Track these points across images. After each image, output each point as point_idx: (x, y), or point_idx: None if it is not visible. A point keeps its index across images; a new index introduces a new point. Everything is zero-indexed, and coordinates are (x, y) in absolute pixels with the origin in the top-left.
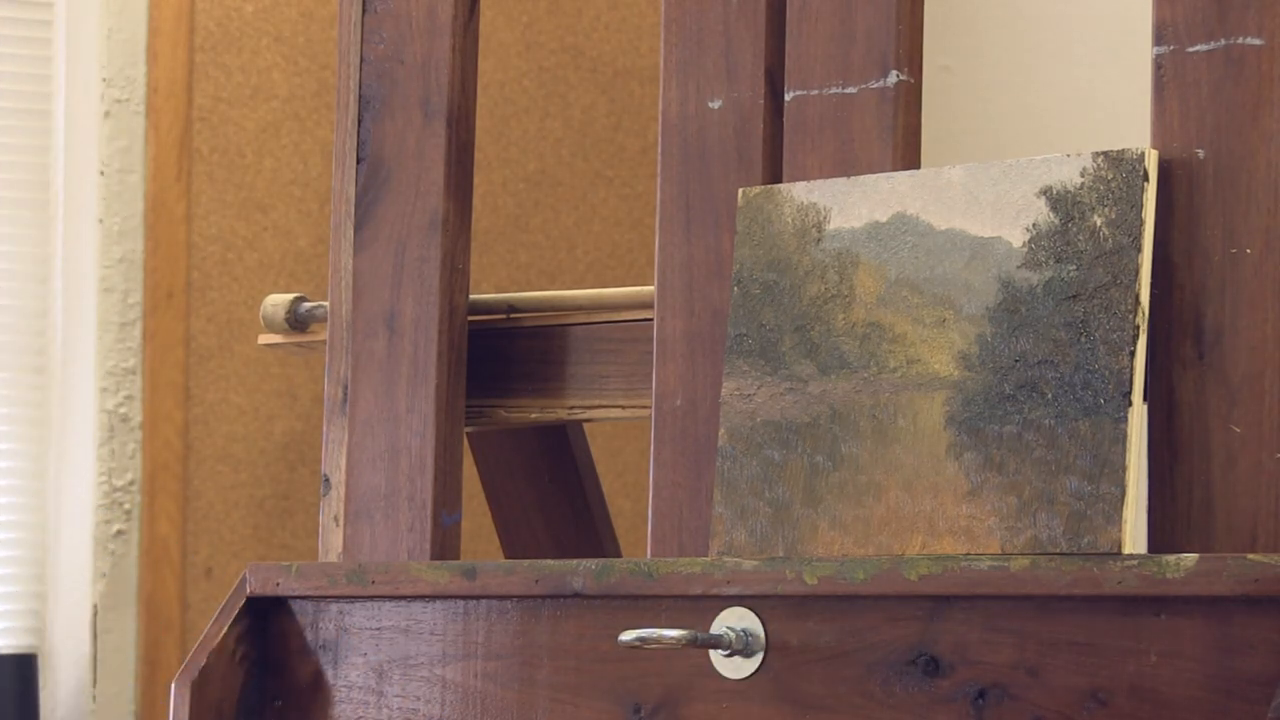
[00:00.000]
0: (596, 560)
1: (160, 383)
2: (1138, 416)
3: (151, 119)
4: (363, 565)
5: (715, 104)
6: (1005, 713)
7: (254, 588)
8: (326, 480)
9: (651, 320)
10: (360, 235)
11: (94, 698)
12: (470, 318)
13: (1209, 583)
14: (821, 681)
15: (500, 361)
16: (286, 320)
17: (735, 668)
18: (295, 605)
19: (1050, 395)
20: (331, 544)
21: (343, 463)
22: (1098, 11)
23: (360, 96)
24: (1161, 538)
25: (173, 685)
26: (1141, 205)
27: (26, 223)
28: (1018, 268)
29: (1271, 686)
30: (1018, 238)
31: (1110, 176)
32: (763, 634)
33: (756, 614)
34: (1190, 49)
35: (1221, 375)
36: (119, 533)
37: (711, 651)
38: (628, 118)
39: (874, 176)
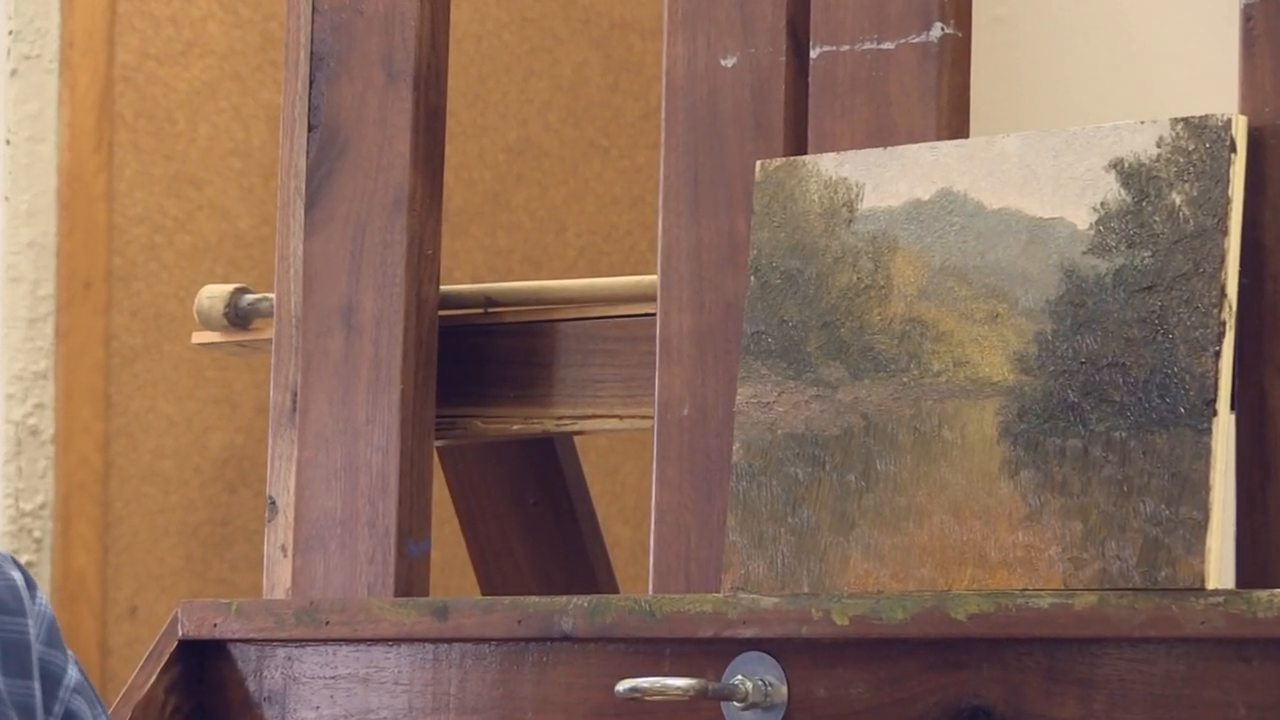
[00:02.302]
0: (589, 597)
1: (76, 389)
2: (1223, 428)
3: (66, 78)
4: (315, 603)
5: (728, 61)
6: None
7: (187, 629)
8: (272, 503)
9: (654, 315)
10: (312, 215)
11: None
12: (441, 312)
13: None
14: None
15: (477, 363)
16: (225, 315)
17: None
18: (236, 650)
19: (1121, 403)
20: (278, 578)
21: (291, 483)
22: None
23: (312, 53)
24: (1251, 570)
25: None
26: (1228, 180)
27: None
28: (1083, 254)
29: None
30: (1083, 219)
31: (1191, 147)
32: (784, 684)
33: (777, 660)
34: None
35: None
36: (28, 565)
37: (724, 704)
38: (626, 77)
39: (915, 147)
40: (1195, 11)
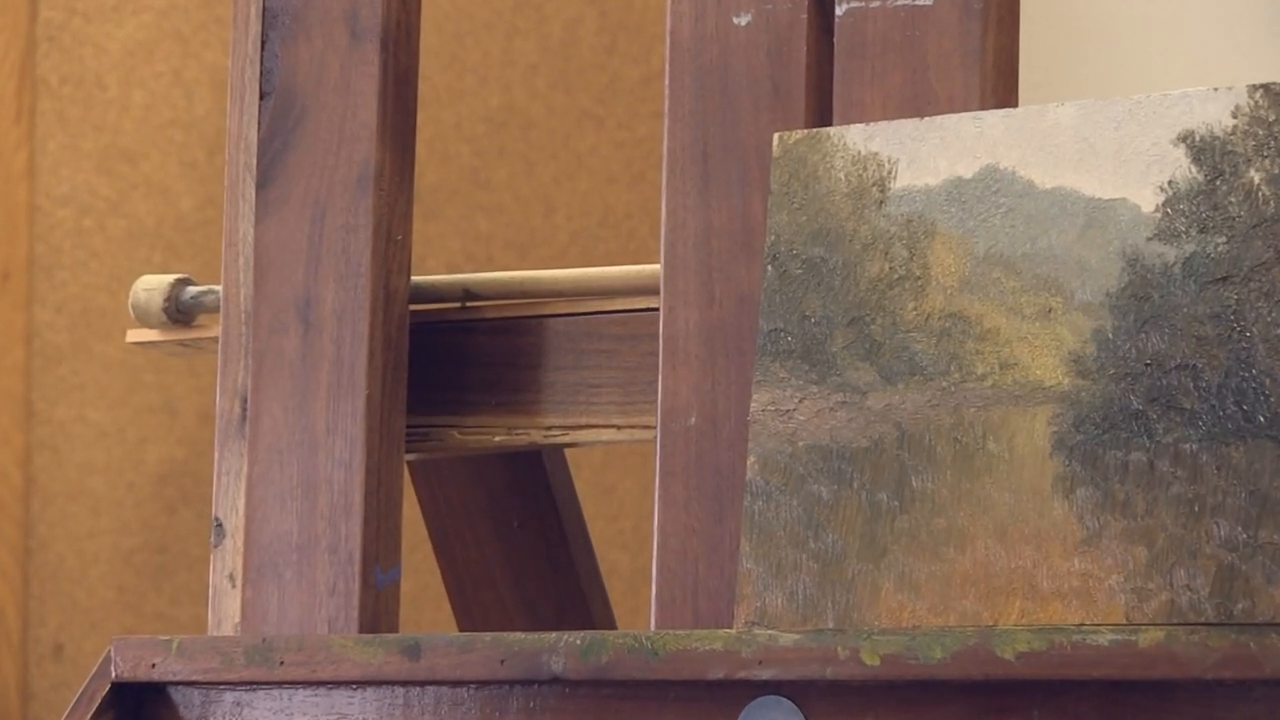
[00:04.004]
0: (582, 633)
1: None
2: None
3: None
4: (269, 640)
5: (742, 19)
6: None
7: (121, 670)
8: (219, 525)
9: (656, 310)
10: (265, 195)
11: None
12: (413, 306)
13: None
14: None
15: (453, 365)
16: (164, 310)
17: None
18: (177, 694)
19: (1192, 411)
20: (226, 611)
21: (240, 502)
22: None
23: (264, 8)
24: None
25: None
26: None
27: None
28: (1148, 240)
29: None
30: (1148, 200)
31: (1273, 118)
32: None
33: (798, 706)
34: None
35: None
36: None
37: None
38: (624, 37)
39: (956, 117)
40: None
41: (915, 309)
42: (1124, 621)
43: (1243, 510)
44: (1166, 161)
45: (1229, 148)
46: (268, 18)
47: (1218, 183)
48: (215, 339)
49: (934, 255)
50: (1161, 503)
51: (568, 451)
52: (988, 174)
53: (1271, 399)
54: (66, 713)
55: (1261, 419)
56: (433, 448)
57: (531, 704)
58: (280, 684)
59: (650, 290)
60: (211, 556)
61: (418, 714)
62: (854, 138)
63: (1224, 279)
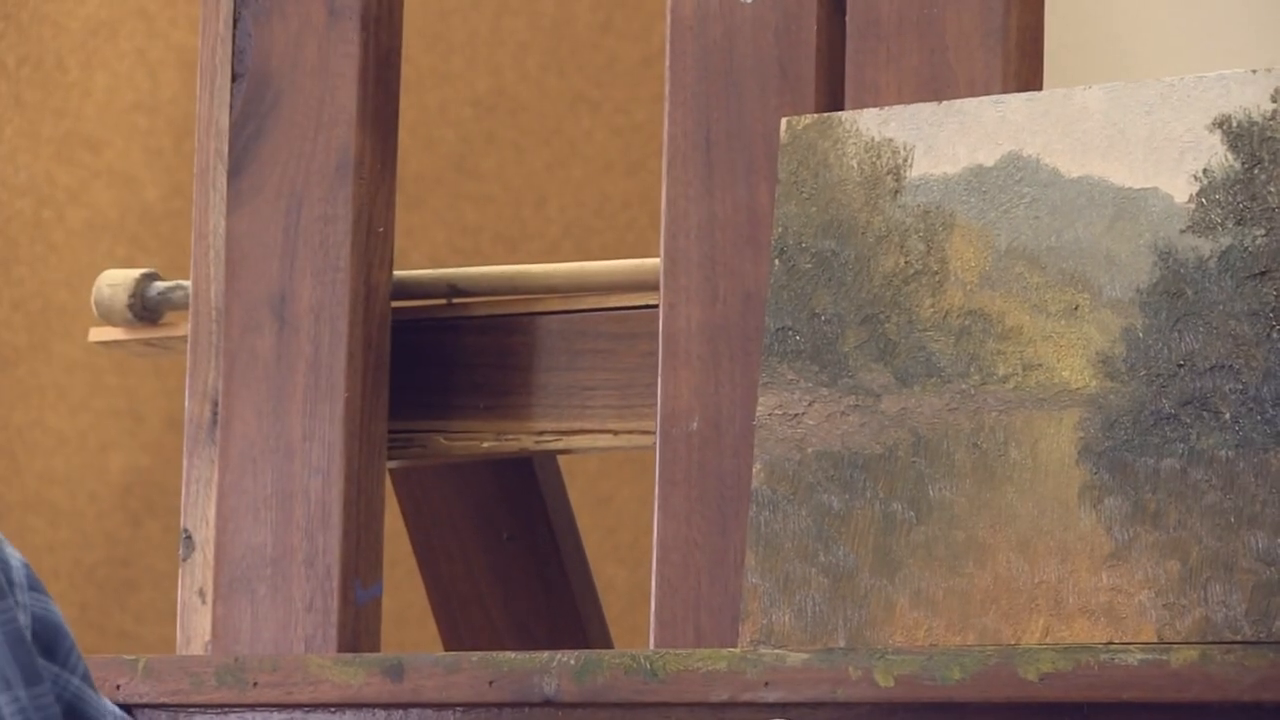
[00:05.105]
0: (576, 652)
1: None
2: None
3: None
4: (241, 660)
5: None
6: None
7: None
8: (188, 537)
9: (656, 308)
10: (237, 185)
11: None
12: (395, 303)
13: None
14: None
15: (439, 366)
16: (130, 307)
17: None
18: (144, 717)
19: (1229, 416)
20: (195, 629)
21: (211, 513)
22: None
23: None
24: None
25: None
26: None
27: None
28: (1182, 232)
29: None
30: (1182, 189)
31: None
32: None
33: None
34: None
35: None
36: None
37: None
38: (621, 15)
39: (976, 101)
40: None
41: (932, 306)
42: (1155, 640)
43: None
44: (1201, 148)
45: (1268, 134)
46: None
47: (1256, 171)
48: (184, 338)
49: (952, 248)
50: (1195, 513)
51: (561, 459)
52: (1010, 162)
53: None
54: None
55: None
56: (416, 454)
57: None
58: (254, 706)
59: (649, 286)
60: (180, 571)
61: None
62: (867, 123)
63: (1262, 274)
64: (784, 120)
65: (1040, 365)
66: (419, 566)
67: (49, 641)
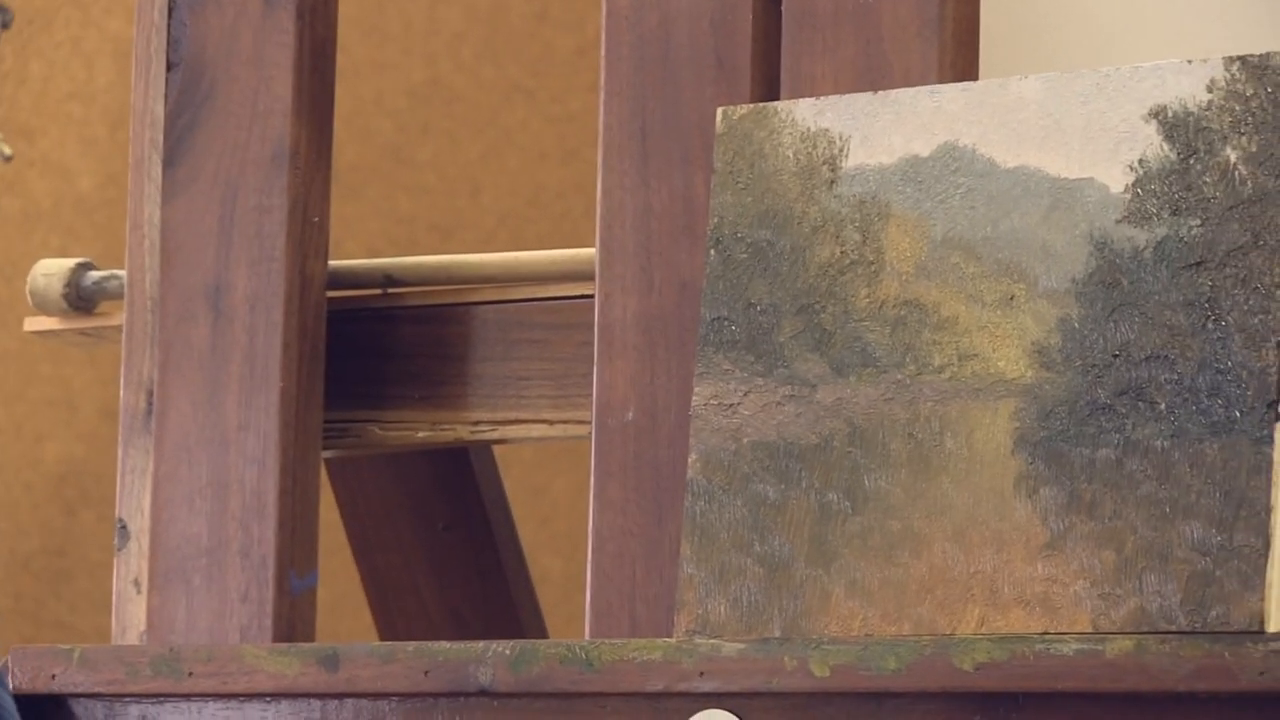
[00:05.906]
0: (512, 642)
1: None
2: None
3: None
4: (176, 650)
5: None
6: None
7: (20, 681)
8: (123, 528)
9: (591, 298)
10: (172, 174)
11: None
12: (330, 293)
13: None
14: None
15: (374, 356)
16: (64, 297)
17: None
18: (79, 706)
19: (1164, 406)
20: (130, 619)
21: (146, 503)
22: None
23: None
24: None
25: None
26: None
27: None
28: (1117, 223)
29: None
30: (1118, 180)
31: (1249, 92)
32: None
33: (742, 719)
34: None
35: None
36: None
37: None
38: (557, 5)
39: (912, 91)
40: None
41: (868, 296)
42: (1090, 630)
43: (1216, 512)
44: (1137, 139)
45: (1203, 124)
46: None
47: (1191, 161)
48: (119, 328)
49: (888, 239)
50: (1130, 503)
51: (496, 449)
52: (946, 152)
53: (1248, 393)
54: None
55: (1237, 414)
56: (352, 444)
57: (458, 718)
58: (189, 696)
59: (585, 276)
60: (115, 561)
61: None
62: (803, 113)
63: (1198, 264)
64: (720, 110)
65: (976, 355)
66: (354, 556)
67: None
